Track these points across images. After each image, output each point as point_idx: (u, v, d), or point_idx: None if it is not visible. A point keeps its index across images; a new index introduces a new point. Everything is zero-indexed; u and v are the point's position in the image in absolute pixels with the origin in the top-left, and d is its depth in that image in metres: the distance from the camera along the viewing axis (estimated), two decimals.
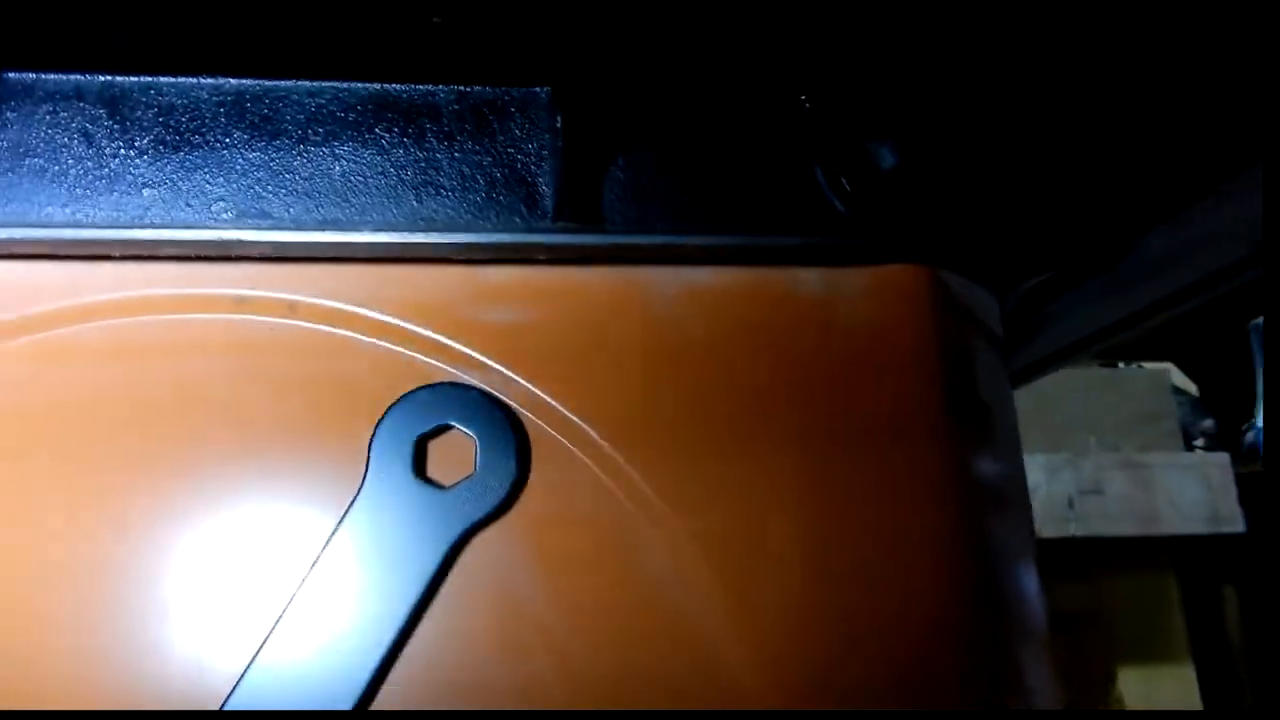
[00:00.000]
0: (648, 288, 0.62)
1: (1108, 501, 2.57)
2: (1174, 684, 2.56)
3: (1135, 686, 2.56)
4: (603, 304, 0.61)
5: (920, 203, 0.58)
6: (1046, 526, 2.44)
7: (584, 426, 0.59)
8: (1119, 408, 2.74)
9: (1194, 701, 2.54)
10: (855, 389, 0.61)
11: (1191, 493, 2.60)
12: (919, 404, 0.61)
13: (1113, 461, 2.65)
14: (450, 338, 0.59)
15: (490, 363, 0.59)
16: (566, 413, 0.59)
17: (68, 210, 0.54)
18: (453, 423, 0.57)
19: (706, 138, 0.58)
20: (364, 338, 0.59)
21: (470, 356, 0.59)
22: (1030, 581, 0.63)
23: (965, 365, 0.64)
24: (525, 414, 0.59)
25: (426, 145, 0.56)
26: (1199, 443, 2.75)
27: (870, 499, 0.58)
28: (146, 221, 0.54)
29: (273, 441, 0.57)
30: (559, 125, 0.53)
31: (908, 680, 0.57)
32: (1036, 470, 2.49)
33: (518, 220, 0.55)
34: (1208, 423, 2.79)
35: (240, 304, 0.59)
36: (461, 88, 0.56)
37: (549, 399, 0.59)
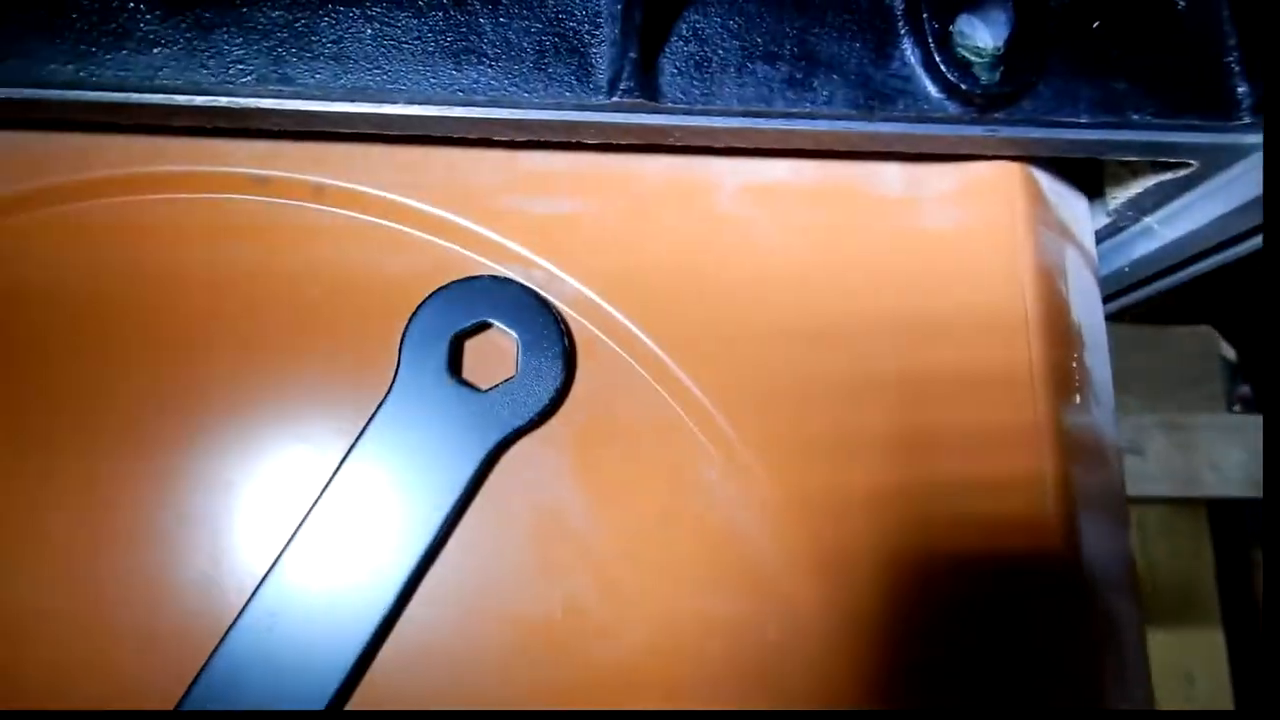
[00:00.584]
0: (710, 181, 0.56)
1: (1146, 462, 2.51)
2: (1205, 649, 2.52)
3: (1166, 652, 2.52)
4: (659, 197, 0.55)
5: (1028, 85, 0.51)
6: None
7: (636, 331, 0.53)
8: (1162, 368, 2.66)
9: (1222, 668, 2.50)
10: (938, 306, 0.55)
11: (1234, 455, 2.53)
12: (1007, 329, 0.54)
13: (1153, 422, 2.58)
14: (490, 229, 0.54)
15: (534, 257, 0.54)
16: (618, 315, 0.53)
17: (70, 69, 0.48)
18: (492, 320, 0.51)
19: (780, 6, 0.51)
20: (397, 226, 0.54)
21: (512, 250, 0.54)
22: (1119, 532, 0.57)
23: (1056, 281, 0.57)
24: (571, 314, 0.53)
25: (469, 8, 0.50)
26: (1236, 409, 2.67)
27: (957, 443, 0.53)
28: (157, 84, 0.48)
29: (295, 337, 0.52)
30: None
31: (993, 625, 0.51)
32: None
33: (568, 95, 0.49)
34: (1244, 389, 2.71)
35: (261, 184, 0.53)
36: None
37: (598, 299, 0.53)
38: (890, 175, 0.56)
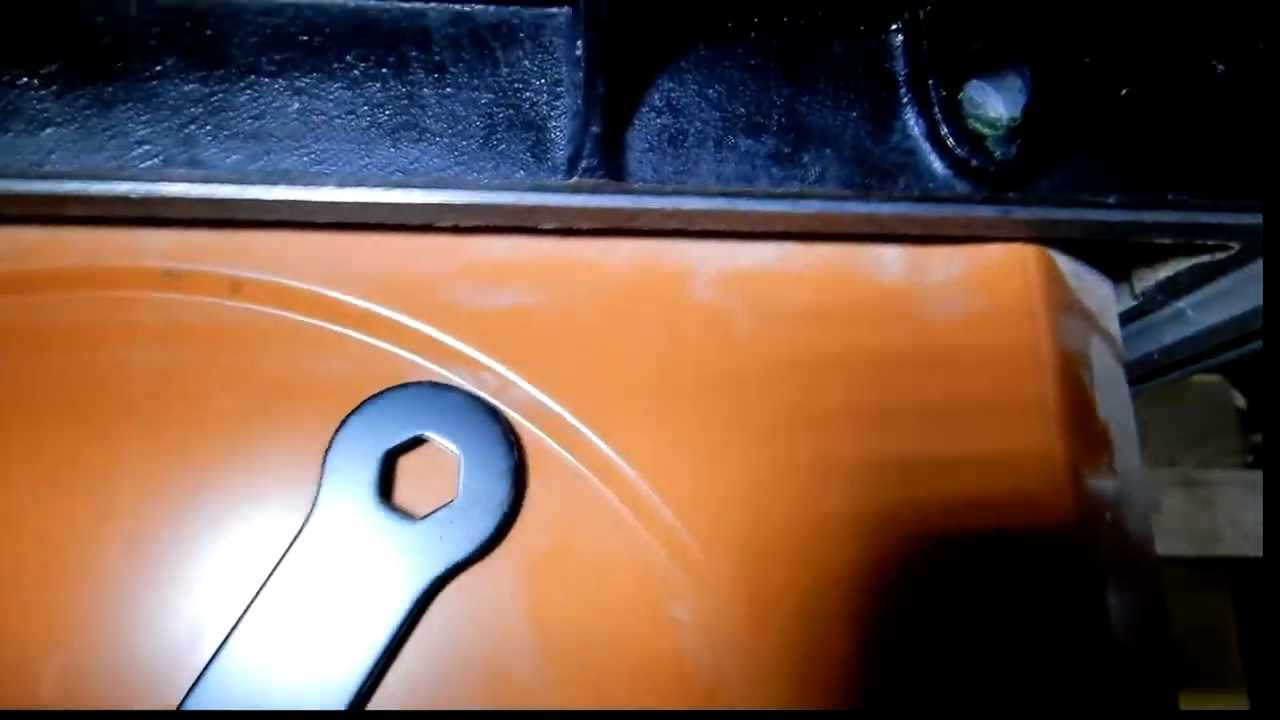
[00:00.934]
0: (683, 267, 0.49)
1: (1164, 519, 2.43)
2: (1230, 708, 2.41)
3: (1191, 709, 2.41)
4: (626, 287, 0.48)
5: (1048, 160, 0.45)
6: None
7: (598, 443, 0.46)
8: (1179, 421, 2.59)
9: None
10: (945, 405, 0.48)
11: (1254, 512, 2.44)
12: (1025, 423, 0.47)
13: (1170, 477, 2.50)
14: (432, 326, 0.47)
15: (482, 358, 0.47)
16: (577, 424, 0.46)
17: None
18: (430, 434, 0.44)
19: (765, 73, 0.45)
20: (324, 324, 0.47)
21: (457, 350, 0.47)
22: (1156, 610, 0.50)
23: (1079, 375, 0.50)
24: (524, 424, 0.46)
25: (410, 78, 0.43)
26: (1249, 459, 2.60)
27: (967, 557, 0.45)
28: (48, 169, 0.42)
29: (207, 453, 0.45)
30: (579, 54, 0.40)
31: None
32: None
33: (521, 174, 0.42)
34: (1257, 438, 2.63)
35: (171, 280, 0.47)
36: (458, 6, 0.44)
37: (555, 406, 0.46)
38: (890, 259, 0.49)
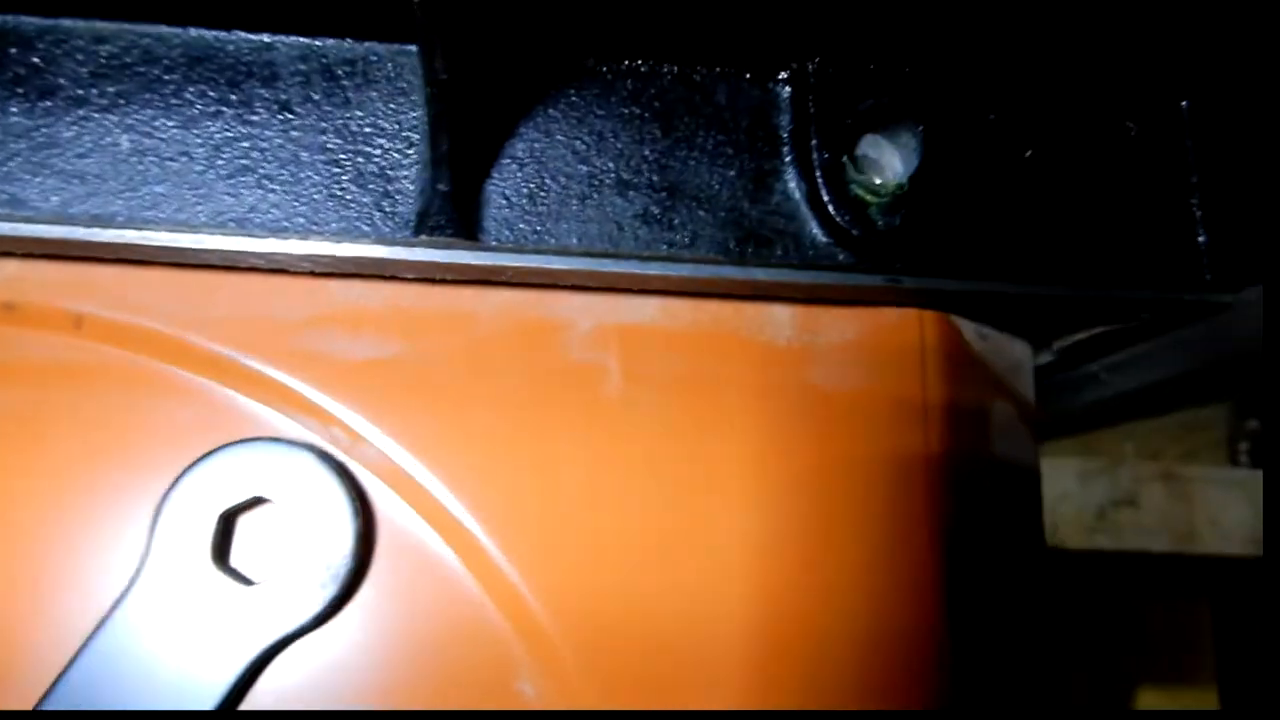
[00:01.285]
0: (559, 321, 0.46)
1: (1142, 515, 2.41)
2: (1198, 706, 2.42)
3: (1159, 706, 2.42)
4: (497, 340, 0.46)
5: (938, 229, 0.42)
6: (1072, 538, 2.29)
7: (455, 508, 0.44)
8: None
9: None
10: (828, 479, 0.45)
11: (1235, 511, 2.42)
12: (906, 502, 0.45)
13: (1151, 472, 2.47)
14: (285, 373, 0.44)
15: (336, 411, 0.44)
16: (433, 488, 0.44)
17: None
18: (269, 495, 0.42)
19: (639, 125, 0.42)
20: (171, 367, 0.44)
21: (309, 401, 0.44)
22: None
23: (972, 444, 0.48)
24: (376, 484, 0.44)
25: (253, 117, 0.40)
26: (1243, 445, 2.57)
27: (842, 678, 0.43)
28: None
29: (35, 499, 0.43)
30: (434, 95, 0.37)
31: None
32: (1067, 477, 2.32)
33: (367, 227, 0.40)
34: (1253, 423, 2.60)
35: (7, 312, 0.44)
36: (309, 40, 0.41)
37: (410, 467, 0.44)
38: (782, 319, 0.47)
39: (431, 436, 0.44)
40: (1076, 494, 2.42)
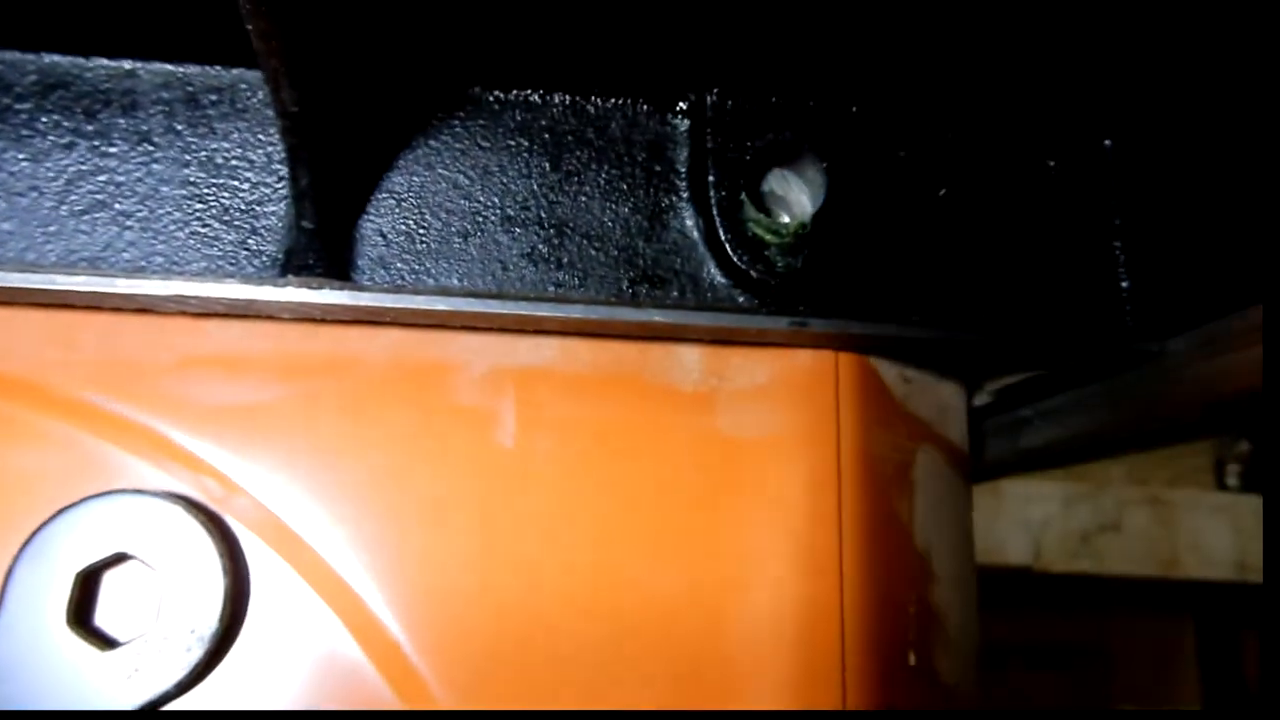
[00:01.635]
0: (449, 363, 0.43)
1: (1125, 539, 2.39)
2: None
3: None
4: (383, 383, 0.43)
5: (843, 269, 0.39)
6: (1056, 562, 2.26)
7: (336, 563, 0.41)
8: None
9: None
10: (732, 532, 0.43)
11: (1217, 536, 2.40)
12: (814, 572, 0.42)
13: (1135, 496, 2.45)
14: (155, 419, 0.42)
15: (210, 460, 0.42)
16: (310, 540, 0.41)
17: None
18: (132, 552, 0.39)
19: (528, 157, 0.39)
20: (29, 413, 0.42)
21: (181, 449, 0.42)
22: None
23: (896, 505, 0.45)
24: (251, 538, 0.41)
25: (110, 149, 0.38)
26: (1232, 467, 2.55)
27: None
28: None
29: None
30: (286, 128, 0.34)
31: None
32: (1052, 501, 2.31)
33: (231, 266, 0.37)
34: (1243, 445, 2.58)
35: None
36: (173, 66, 0.38)
37: (287, 519, 0.41)
38: (689, 362, 0.44)
39: (311, 487, 0.41)
40: (1060, 518, 2.41)
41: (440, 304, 0.38)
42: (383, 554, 0.41)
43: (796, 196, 0.40)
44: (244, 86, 0.38)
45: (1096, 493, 2.41)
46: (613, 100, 0.39)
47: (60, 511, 0.39)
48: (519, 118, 0.39)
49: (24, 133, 0.37)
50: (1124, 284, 0.40)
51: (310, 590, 0.41)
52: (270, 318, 0.42)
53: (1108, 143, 0.41)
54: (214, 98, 0.38)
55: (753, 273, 0.37)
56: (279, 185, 0.38)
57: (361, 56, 0.34)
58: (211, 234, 0.37)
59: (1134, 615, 2.53)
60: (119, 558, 0.40)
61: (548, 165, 0.39)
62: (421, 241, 0.38)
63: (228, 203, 0.38)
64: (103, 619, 0.40)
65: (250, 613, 0.40)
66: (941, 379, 0.49)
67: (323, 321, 0.42)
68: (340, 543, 0.41)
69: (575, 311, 0.39)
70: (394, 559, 0.41)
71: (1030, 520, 2.32)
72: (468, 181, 0.39)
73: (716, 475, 0.43)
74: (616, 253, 0.39)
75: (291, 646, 0.40)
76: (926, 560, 0.46)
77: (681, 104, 0.39)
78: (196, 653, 0.39)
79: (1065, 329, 0.39)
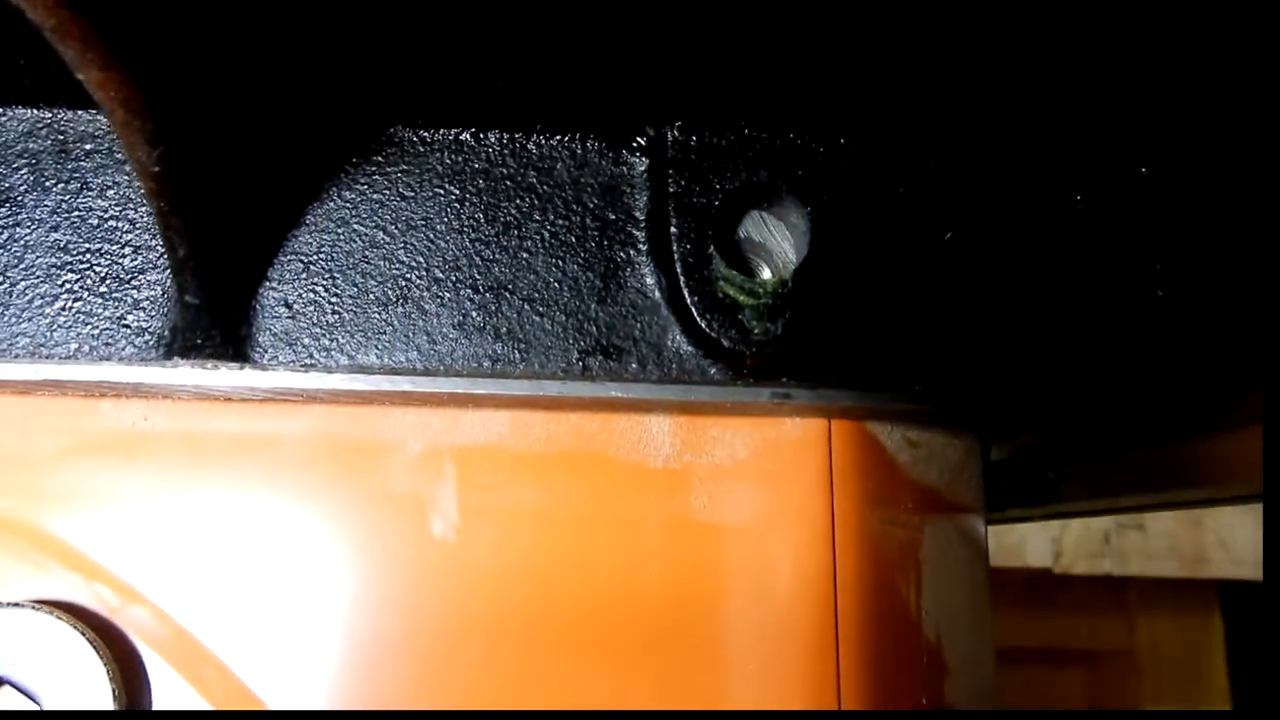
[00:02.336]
0: (384, 441, 0.38)
1: (1149, 539, 2.32)
2: None
3: None
4: (301, 470, 0.37)
5: (839, 324, 0.33)
6: (1077, 563, 2.20)
7: (250, 684, 0.35)
8: None
9: None
10: (712, 637, 0.37)
11: (1246, 533, 2.33)
12: (807, 679, 0.36)
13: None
14: (37, 517, 0.36)
15: (101, 564, 0.36)
16: (223, 657, 0.36)
17: None
18: (7, 677, 0.34)
19: (460, 209, 0.33)
20: None
21: (70, 551, 0.36)
22: None
23: (901, 590, 0.39)
24: (151, 655, 0.36)
25: None
26: None
27: None
28: None
29: None
30: (151, 191, 0.28)
31: None
32: None
33: (109, 347, 0.31)
34: None
35: None
36: (43, 111, 0.32)
37: (191, 631, 0.36)
38: (659, 433, 0.38)
39: (216, 594, 0.36)
40: (1081, 519, 2.34)
41: (356, 384, 0.32)
42: (305, 671, 0.35)
43: (778, 244, 0.34)
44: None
45: None
46: (558, 138, 0.33)
47: None
48: (448, 161, 0.33)
49: None
50: (1167, 339, 0.34)
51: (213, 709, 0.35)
52: (169, 396, 0.36)
53: (1145, 170, 0.35)
54: (88, 147, 0.33)
55: (725, 341, 0.31)
56: (165, 250, 0.32)
57: (245, 96, 0.28)
58: (85, 309, 0.31)
59: (1160, 616, 2.47)
60: None
61: (482, 217, 0.33)
62: (333, 312, 0.32)
63: (105, 271, 0.32)
64: None
65: None
66: (952, 438, 0.43)
67: (232, 399, 0.36)
68: (256, 658, 0.35)
69: (516, 389, 0.33)
70: (318, 676, 0.35)
71: (1049, 520, 2.26)
72: (388, 239, 0.33)
73: (692, 568, 0.37)
74: (564, 319, 0.33)
75: None
76: (938, 652, 0.40)
77: (638, 140, 0.33)
78: None
79: (1095, 396, 0.33)
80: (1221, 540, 2.38)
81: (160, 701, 0.35)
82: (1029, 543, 2.21)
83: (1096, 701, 2.42)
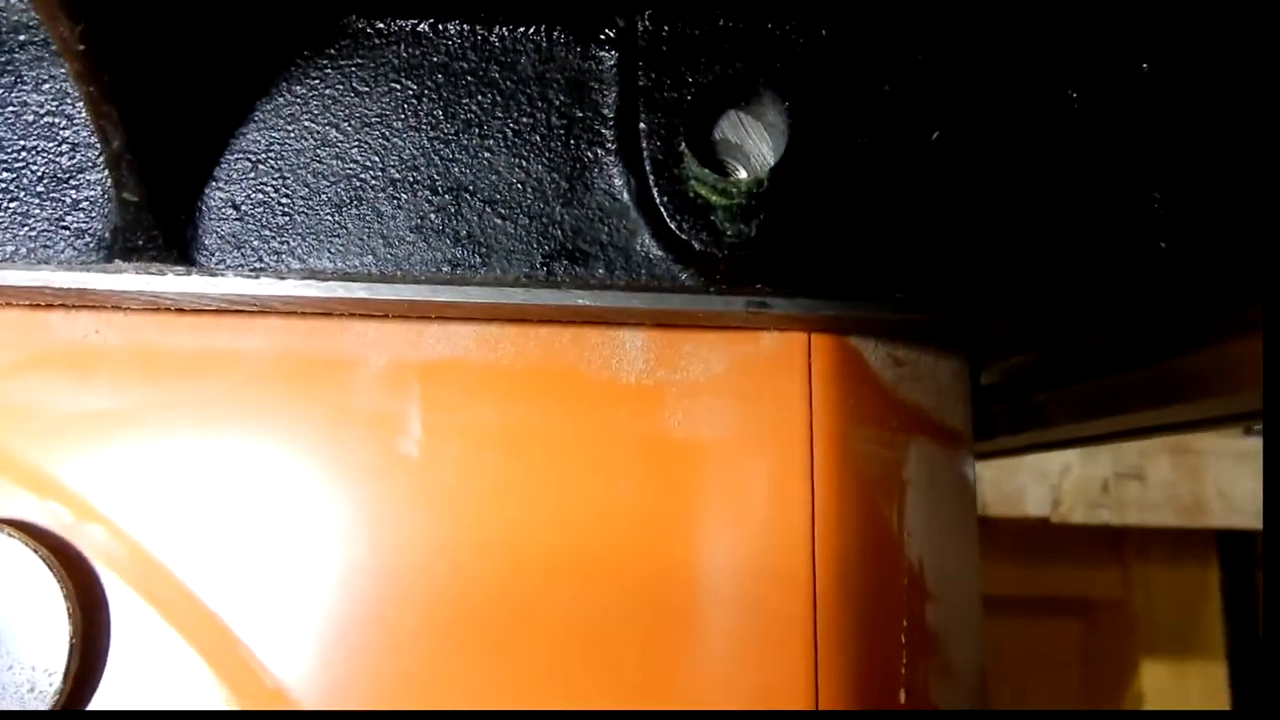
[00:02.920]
0: (345, 356, 0.36)
1: (1148, 488, 2.32)
2: (1204, 682, 2.34)
3: (1162, 681, 2.35)
4: (259, 385, 0.36)
5: (818, 230, 0.32)
6: (1075, 512, 2.20)
7: (210, 600, 0.34)
8: None
9: (1222, 702, 2.34)
10: (692, 542, 0.35)
11: (1245, 484, 2.33)
12: (781, 599, 0.35)
13: (1158, 444, 2.37)
14: None
15: (56, 480, 0.35)
16: (180, 575, 0.35)
17: None
18: None
19: (417, 105, 0.31)
20: None
21: (20, 466, 0.35)
22: None
23: (883, 512, 0.38)
24: (106, 573, 0.35)
25: None
26: (1255, 428, 2.47)
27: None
28: None
29: None
30: (78, 73, 0.26)
31: None
32: (1070, 450, 2.24)
33: (47, 250, 0.30)
34: None
35: None
36: None
37: (148, 549, 0.35)
38: (632, 348, 0.37)
39: (175, 512, 0.35)
40: (1079, 467, 2.34)
41: (309, 290, 0.31)
42: (264, 590, 0.34)
43: (755, 145, 0.32)
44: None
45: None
46: (522, 29, 0.31)
47: None
48: (405, 54, 0.31)
49: None
50: (1164, 246, 0.32)
51: (179, 638, 0.34)
52: (120, 307, 0.34)
53: (1146, 66, 0.33)
54: (22, 38, 0.31)
55: (696, 243, 0.30)
56: (100, 157, 0.30)
57: None
58: (21, 210, 0.30)
59: (1156, 566, 2.48)
60: None
61: (441, 114, 0.31)
62: (284, 213, 0.31)
63: (42, 170, 0.30)
64: None
65: (109, 662, 0.34)
66: (941, 357, 0.41)
67: (189, 311, 0.35)
68: (216, 578, 0.34)
69: (477, 295, 0.31)
70: (277, 595, 0.34)
71: (1048, 468, 2.25)
72: (341, 137, 0.31)
73: (666, 487, 0.36)
74: (528, 221, 0.31)
75: (155, 696, 0.34)
76: (920, 576, 0.39)
77: (607, 31, 0.31)
78: (38, 707, 0.32)
79: (1089, 306, 0.31)
80: (1220, 490, 2.38)
81: (118, 621, 0.34)
82: (1028, 492, 2.20)
83: (1090, 652, 2.44)
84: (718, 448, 0.36)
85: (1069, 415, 0.39)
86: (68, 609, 0.33)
